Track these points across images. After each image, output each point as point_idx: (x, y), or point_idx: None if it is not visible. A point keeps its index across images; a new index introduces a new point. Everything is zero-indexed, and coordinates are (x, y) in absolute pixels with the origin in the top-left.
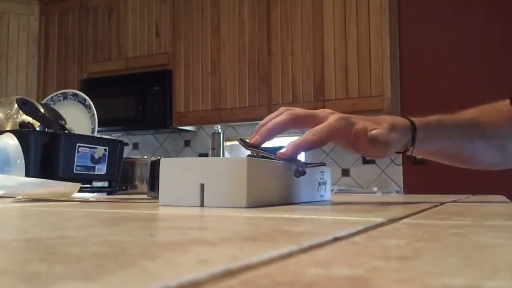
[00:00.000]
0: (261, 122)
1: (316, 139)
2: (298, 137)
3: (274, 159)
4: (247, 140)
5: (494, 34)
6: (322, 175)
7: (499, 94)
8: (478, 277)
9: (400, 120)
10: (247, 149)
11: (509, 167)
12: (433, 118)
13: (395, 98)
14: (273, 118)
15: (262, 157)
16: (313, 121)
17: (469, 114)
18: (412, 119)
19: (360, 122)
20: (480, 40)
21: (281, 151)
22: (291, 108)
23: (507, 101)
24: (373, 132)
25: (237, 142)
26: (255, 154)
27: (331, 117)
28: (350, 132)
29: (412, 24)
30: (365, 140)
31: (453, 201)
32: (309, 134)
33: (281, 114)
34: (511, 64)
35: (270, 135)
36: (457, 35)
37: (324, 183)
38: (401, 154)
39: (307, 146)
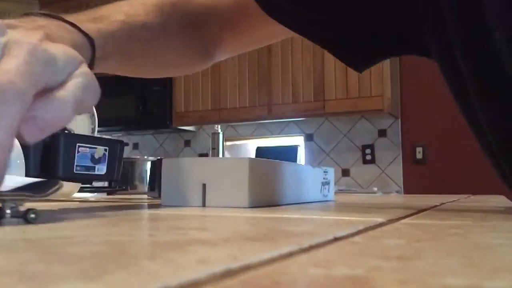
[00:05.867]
0: None
1: None
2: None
3: None
4: None
5: None
6: (326, 175)
7: None
8: (478, 277)
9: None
10: None
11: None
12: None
13: (395, 98)
14: None
15: None
16: None
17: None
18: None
19: None
20: None
21: None
22: None
23: None
24: None
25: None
26: None
27: None
28: None
29: None
30: None
31: (453, 201)
32: None
33: None
34: None
35: None
36: None
37: (328, 183)
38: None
39: None
